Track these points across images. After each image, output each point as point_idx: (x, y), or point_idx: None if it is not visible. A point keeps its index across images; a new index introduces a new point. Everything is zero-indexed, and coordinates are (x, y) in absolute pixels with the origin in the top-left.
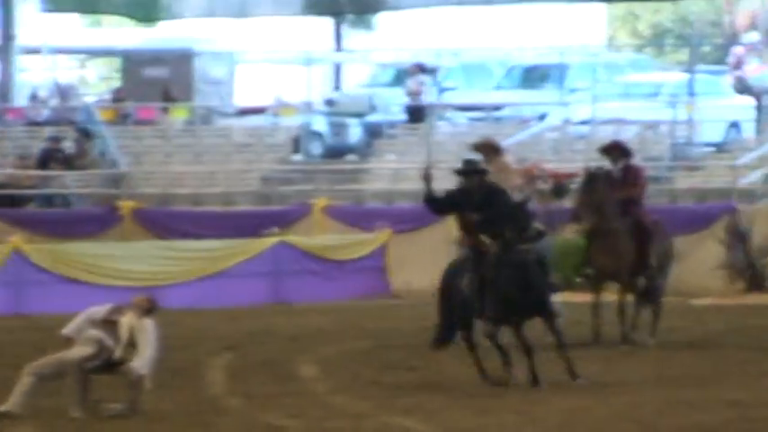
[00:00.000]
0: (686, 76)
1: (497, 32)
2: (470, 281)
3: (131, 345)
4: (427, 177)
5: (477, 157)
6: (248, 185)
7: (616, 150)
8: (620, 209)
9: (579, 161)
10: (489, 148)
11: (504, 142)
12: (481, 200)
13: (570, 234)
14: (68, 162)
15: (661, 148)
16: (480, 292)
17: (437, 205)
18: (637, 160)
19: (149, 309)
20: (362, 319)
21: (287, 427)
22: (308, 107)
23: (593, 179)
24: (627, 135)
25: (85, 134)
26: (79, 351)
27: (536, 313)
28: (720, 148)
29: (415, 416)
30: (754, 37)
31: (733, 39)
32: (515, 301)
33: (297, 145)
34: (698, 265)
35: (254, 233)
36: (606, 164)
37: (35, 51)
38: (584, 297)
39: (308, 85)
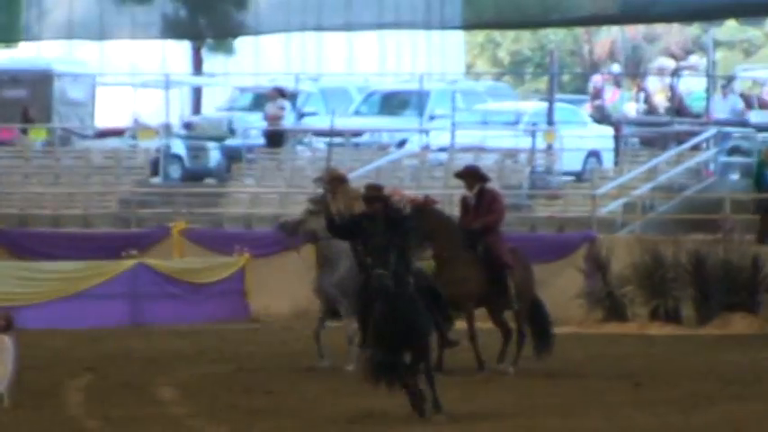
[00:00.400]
0: (545, 104)
1: (357, 58)
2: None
3: None
4: (325, 204)
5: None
6: (107, 207)
7: (471, 175)
8: (469, 236)
9: (438, 188)
10: (335, 179)
11: (364, 168)
12: (384, 226)
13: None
14: None
15: (520, 177)
16: (363, 321)
17: (340, 231)
18: (496, 188)
19: (6, 326)
20: (221, 342)
21: None
22: (167, 130)
23: (421, 211)
24: (486, 162)
25: None
26: None
27: (407, 345)
28: (580, 177)
29: None
30: (615, 68)
31: (592, 68)
32: (383, 332)
33: (156, 167)
34: (557, 293)
35: (114, 255)
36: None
37: None
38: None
39: (167, 107)
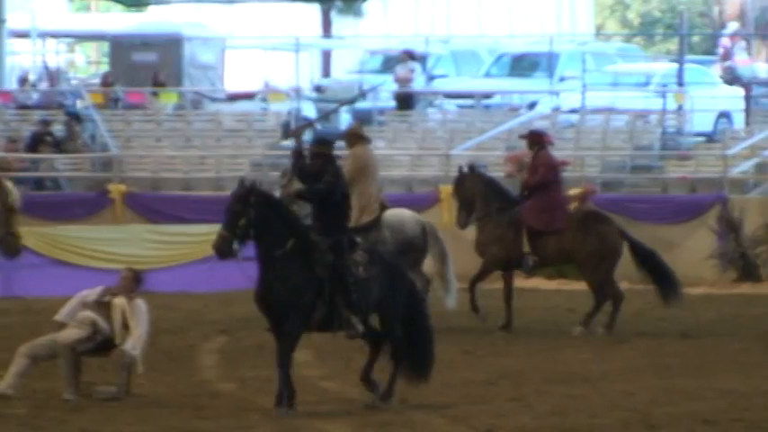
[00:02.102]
0: (675, 65)
1: (487, 20)
2: None
3: (124, 326)
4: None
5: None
6: (238, 170)
7: (530, 138)
8: (518, 196)
9: (569, 150)
10: (353, 136)
11: (494, 130)
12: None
13: None
14: (58, 145)
15: (651, 138)
16: None
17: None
18: (627, 149)
19: (137, 280)
20: None
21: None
22: (297, 93)
23: (461, 178)
24: (617, 124)
25: (75, 118)
26: (72, 333)
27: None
28: (711, 137)
29: (409, 401)
30: (741, 27)
31: (721, 29)
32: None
33: (286, 131)
34: (689, 254)
35: None
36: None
37: (24, 35)
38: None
39: (297, 70)
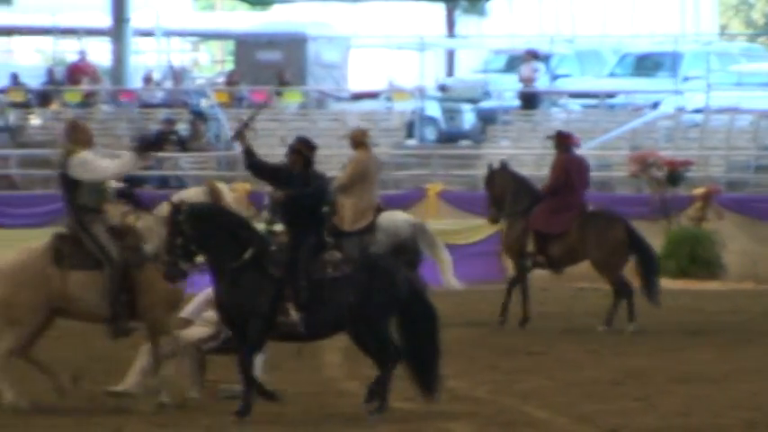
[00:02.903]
0: None
1: (611, 20)
2: None
3: None
4: (242, 136)
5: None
6: None
7: (555, 140)
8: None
9: (693, 149)
10: (356, 141)
11: (618, 130)
12: (294, 184)
13: (686, 222)
14: (183, 144)
15: None
16: None
17: (257, 170)
18: (751, 149)
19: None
20: (478, 303)
21: (405, 409)
22: (421, 92)
23: (490, 175)
24: (741, 124)
25: (200, 116)
26: (197, 331)
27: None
28: None
29: (533, 401)
30: None
31: None
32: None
33: (411, 130)
34: None
35: None
36: None
37: (148, 34)
38: (700, 285)
39: (422, 70)
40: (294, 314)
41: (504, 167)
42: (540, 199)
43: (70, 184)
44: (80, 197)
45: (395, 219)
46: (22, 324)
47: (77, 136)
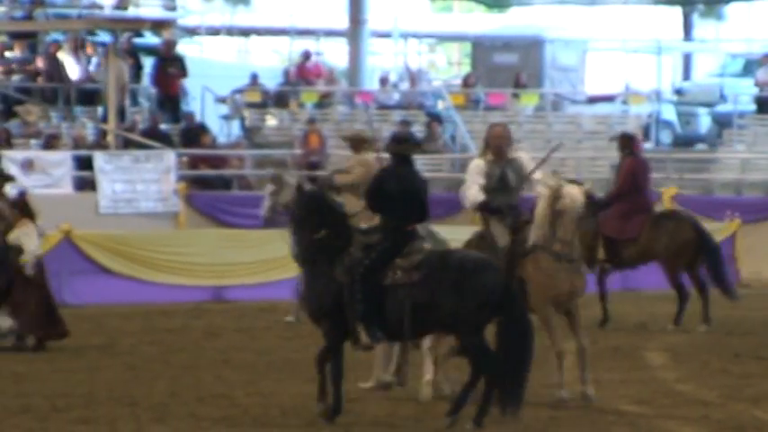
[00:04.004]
0: None
1: None
2: None
3: None
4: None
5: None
6: (598, 173)
7: (620, 141)
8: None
9: None
10: (359, 141)
11: None
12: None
13: None
14: (419, 146)
15: None
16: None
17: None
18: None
19: None
20: (711, 307)
21: (634, 413)
22: (657, 96)
23: None
24: None
25: (436, 119)
26: None
27: None
28: None
29: (765, 405)
30: None
31: None
32: None
33: (647, 133)
34: None
35: None
36: None
37: (385, 35)
38: None
39: (658, 73)
40: (361, 333)
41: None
42: (596, 203)
43: None
44: None
45: None
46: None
47: None
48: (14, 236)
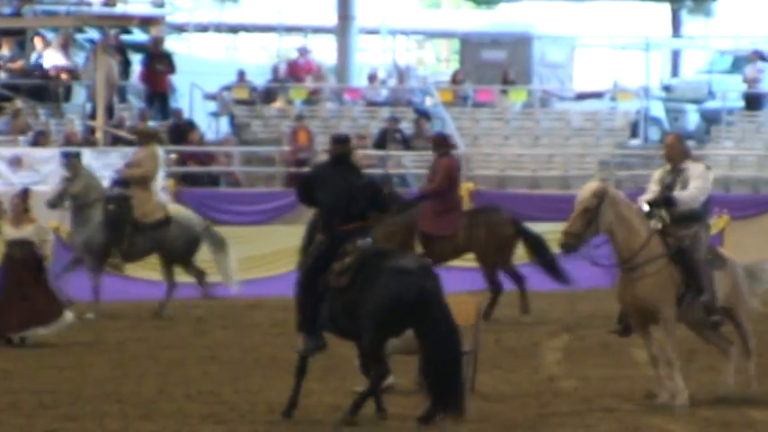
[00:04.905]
0: None
1: None
2: None
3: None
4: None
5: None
6: (585, 169)
7: (435, 142)
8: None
9: None
10: (144, 134)
11: None
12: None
13: None
14: (406, 142)
15: None
16: None
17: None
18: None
19: None
20: None
21: (623, 409)
22: (645, 92)
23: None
24: None
25: (424, 115)
26: None
27: None
28: None
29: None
30: None
31: None
32: None
33: (635, 129)
34: None
35: None
36: None
37: (373, 32)
38: None
39: (646, 70)
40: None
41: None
42: (408, 202)
43: None
44: None
45: (187, 214)
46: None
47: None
48: (29, 232)
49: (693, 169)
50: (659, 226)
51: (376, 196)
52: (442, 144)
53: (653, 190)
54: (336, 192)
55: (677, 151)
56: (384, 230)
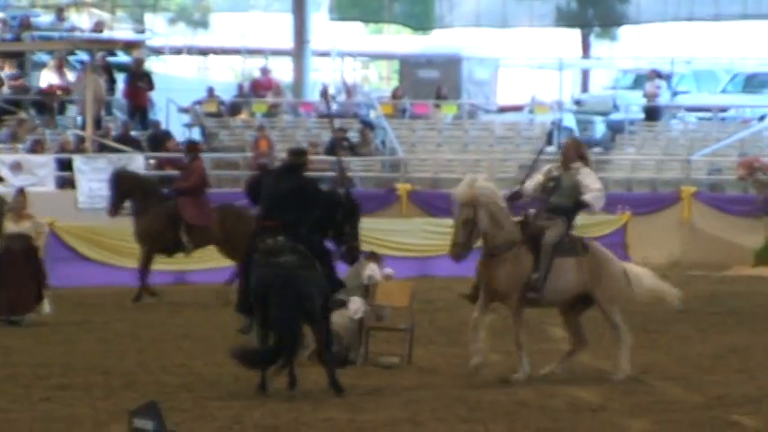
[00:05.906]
0: None
1: (724, 43)
2: None
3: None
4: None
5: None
6: (508, 172)
7: (188, 147)
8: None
9: None
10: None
11: (729, 139)
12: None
13: None
14: (353, 149)
15: None
16: None
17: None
18: None
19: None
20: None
21: (538, 378)
22: (559, 106)
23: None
24: None
25: (368, 126)
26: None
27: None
28: None
29: (652, 372)
30: None
31: None
32: None
33: (550, 138)
34: None
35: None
36: None
37: (325, 54)
38: None
39: (560, 87)
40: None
41: (125, 170)
42: (163, 195)
43: None
44: None
45: None
46: None
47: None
48: (27, 227)
49: (584, 170)
50: (520, 218)
51: (306, 201)
52: (194, 149)
53: (537, 179)
54: (268, 194)
55: (571, 151)
56: (152, 218)
